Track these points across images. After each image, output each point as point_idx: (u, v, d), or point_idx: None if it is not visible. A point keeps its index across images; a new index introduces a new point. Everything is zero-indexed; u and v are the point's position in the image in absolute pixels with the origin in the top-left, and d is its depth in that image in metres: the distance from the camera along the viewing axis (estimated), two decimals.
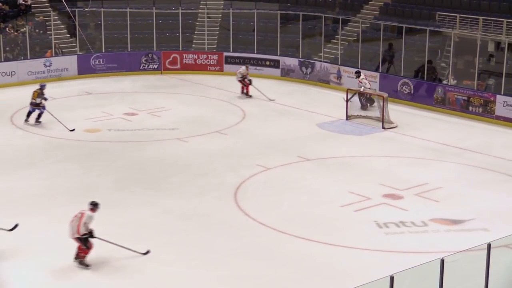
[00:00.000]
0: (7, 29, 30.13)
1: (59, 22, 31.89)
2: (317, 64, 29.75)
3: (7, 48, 29.71)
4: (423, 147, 21.67)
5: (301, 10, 31.75)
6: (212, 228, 15.69)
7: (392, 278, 9.82)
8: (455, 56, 26.88)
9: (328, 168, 19.68)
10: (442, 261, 10.31)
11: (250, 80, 27.63)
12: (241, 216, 16.37)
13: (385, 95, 24.08)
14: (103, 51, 31.36)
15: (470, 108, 25.01)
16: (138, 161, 20.12)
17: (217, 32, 33.00)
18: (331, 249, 14.75)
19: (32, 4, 31.82)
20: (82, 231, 13.78)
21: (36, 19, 31.35)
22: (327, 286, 13.32)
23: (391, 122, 23.76)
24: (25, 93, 27.45)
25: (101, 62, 30.84)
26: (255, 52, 31.28)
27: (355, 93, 25.10)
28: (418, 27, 27.76)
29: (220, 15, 33.47)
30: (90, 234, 13.86)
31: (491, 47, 26.45)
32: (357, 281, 11.19)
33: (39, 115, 23.45)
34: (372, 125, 23.82)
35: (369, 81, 25.99)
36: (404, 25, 27.73)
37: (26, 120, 23.52)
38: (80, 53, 31.11)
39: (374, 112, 24.34)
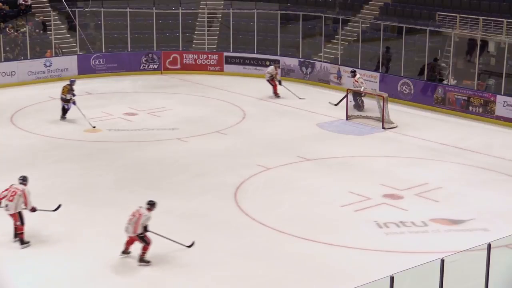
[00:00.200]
0: (7, 29, 30.13)
1: (59, 22, 31.89)
2: (317, 64, 29.75)
3: (7, 48, 29.71)
4: (423, 147, 21.67)
5: (301, 10, 31.75)
6: (212, 228, 15.70)
7: (392, 278, 9.82)
8: (455, 56, 26.88)
9: (328, 168, 19.68)
10: (442, 261, 10.31)
11: (279, 81, 27.42)
12: (241, 216, 16.37)
13: (385, 95, 24.07)
14: (103, 51, 31.36)
15: (470, 108, 25.01)
16: (138, 161, 20.12)
17: (217, 32, 33.00)
18: (331, 249, 14.75)
19: (32, 4, 31.83)
20: (139, 230, 13.93)
21: (36, 19, 31.35)
22: (327, 286, 13.32)
23: (391, 122, 23.76)
24: (25, 93, 27.58)
25: (101, 62, 30.85)
26: (255, 52, 31.27)
27: (343, 97, 25.16)
28: (418, 27, 27.76)
29: (220, 15, 33.47)
30: (145, 229, 14.04)
31: (491, 47, 26.47)
32: (357, 281, 11.19)
33: (66, 111, 23.90)
34: (372, 125, 23.82)
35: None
36: (404, 25, 27.73)
37: (63, 117, 23.93)
38: (80, 53, 31.12)
39: (374, 112, 24.32)
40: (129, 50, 31.79)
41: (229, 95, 27.73)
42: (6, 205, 14.72)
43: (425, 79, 26.70)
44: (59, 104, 25.03)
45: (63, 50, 31.05)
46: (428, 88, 26.34)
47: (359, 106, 25.07)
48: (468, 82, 26.16)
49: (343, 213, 16.55)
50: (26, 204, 14.81)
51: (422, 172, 19.29)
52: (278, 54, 30.92)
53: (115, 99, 27.19)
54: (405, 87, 26.80)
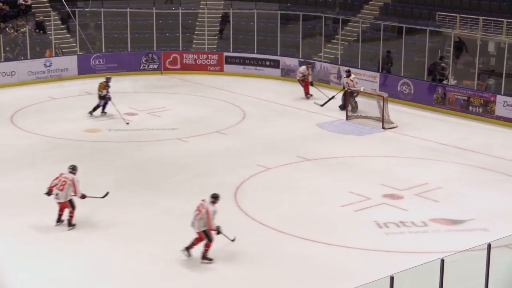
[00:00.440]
0: (7, 29, 30.13)
1: (59, 22, 31.89)
2: (317, 64, 29.74)
3: (7, 48, 29.72)
4: (423, 147, 21.67)
5: (301, 10, 31.76)
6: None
7: (392, 278, 9.82)
8: (455, 56, 26.88)
9: (328, 168, 19.68)
10: (442, 261, 10.31)
11: (311, 82, 27.13)
12: (241, 216, 16.38)
13: (385, 95, 24.07)
14: (103, 51, 31.36)
15: (470, 108, 25.01)
16: (138, 161, 20.12)
17: (217, 32, 33.00)
18: (331, 249, 14.76)
19: (32, 4, 31.83)
20: (214, 225, 13.97)
21: (36, 19, 31.36)
22: (327, 286, 13.32)
23: (391, 122, 23.76)
24: (25, 93, 27.58)
25: (101, 62, 30.85)
26: (255, 52, 31.28)
27: (330, 98, 25.16)
28: (418, 27, 27.76)
29: (220, 15, 33.47)
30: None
31: (491, 47, 26.48)
32: (357, 281, 11.19)
33: (104, 106, 24.37)
34: (372, 125, 23.82)
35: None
36: (404, 25, 27.73)
37: (91, 112, 24.39)
38: (80, 53, 31.12)
39: (374, 112, 24.32)
40: (129, 50, 31.79)
41: (229, 95, 27.73)
42: (57, 194, 15.42)
43: (433, 79, 26.67)
44: (59, 105, 25.13)
45: (63, 50, 31.05)
46: (428, 88, 26.33)
47: (352, 107, 24.92)
48: (468, 82, 26.17)
49: (343, 213, 16.55)
50: (75, 192, 15.48)
51: (422, 172, 19.29)
52: (278, 54, 30.93)
53: (115, 99, 27.13)
54: (405, 87, 26.80)
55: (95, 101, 24.65)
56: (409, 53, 27.86)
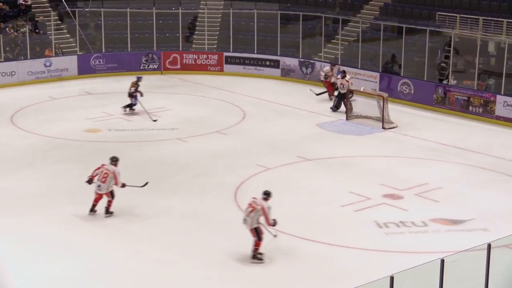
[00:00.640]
0: (7, 29, 30.13)
1: (59, 22, 31.89)
2: (317, 64, 29.74)
3: (7, 48, 29.72)
4: (423, 147, 21.67)
5: (301, 10, 31.75)
6: (212, 228, 15.70)
7: (392, 278, 9.82)
8: (455, 56, 26.88)
9: (328, 168, 19.68)
10: (442, 261, 10.31)
11: (334, 83, 26.61)
12: (241, 216, 16.30)
13: (385, 95, 24.07)
14: (103, 51, 31.36)
15: (470, 108, 25.01)
16: (138, 161, 20.11)
17: (217, 32, 33.01)
18: (331, 249, 14.75)
19: (32, 4, 31.82)
20: (271, 221, 13.98)
21: (36, 19, 31.35)
22: (327, 286, 13.32)
23: (391, 122, 23.76)
24: (25, 93, 27.58)
25: (101, 62, 30.85)
26: (255, 52, 31.28)
27: (326, 91, 24.99)
28: (418, 27, 27.77)
29: (220, 15, 33.47)
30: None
31: (491, 47, 26.47)
32: (357, 281, 11.20)
33: (133, 105, 24.74)
34: (372, 125, 23.82)
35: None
36: (404, 25, 27.73)
37: (125, 108, 24.85)
38: (80, 53, 31.12)
39: (374, 112, 24.31)
40: (129, 50, 31.79)
41: (229, 95, 27.72)
42: (99, 186, 15.99)
43: (440, 80, 26.66)
44: (59, 105, 25.15)
45: (63, 50, 31.05)
46: (428, 88, 26.33)
47: (347, 109, 24.81)
48: (468, 82, 26.17)
49: (343, 213, 16.55)
50: (116, 183, 16.03)
51: (422, 172, 19.29)
52: (278, 54, 30.93)
53: (115, 99, 27.17)
54: (405, 87, 26.80)
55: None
56: (409, 53, 27.86)
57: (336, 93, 25.62)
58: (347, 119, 24.43)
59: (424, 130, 23.45)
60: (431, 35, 26.94)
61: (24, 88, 28.46)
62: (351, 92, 24.96)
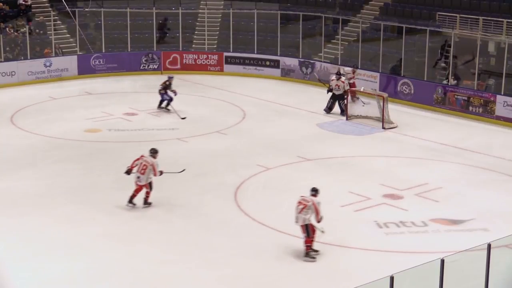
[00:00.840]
0: (7, 29, 30.13)
1: (59, 22, 31.89)
2: (317, 64, 29.74)
3: (7, 48, 29.72)
4: (423, 147, 21.67)
5: (301, 10, 31.75)
6: (212, 228, 15.70)
7: (392, 278, 9.82)
8: (455, 56, 26.88)
9: (328, 168, 19.68)
10: (442, 261, 10.31)
11: (350, 85, 26.09)
12: (241, 216, 16.38)
13: (385, 95, 24.07)
14: (103, 51, 31.37)
15: (470, 108, 25.01)
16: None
17: (217, 32, 33.01)
18: (331, 249, 14.75)
19: (32, 4, 31.83)
20: (321, 218, 14.13)
21: (36, 19, 31.36)
22: (327, 286, 13.32)
23: (391, 122, 23.76)
24: (25, 93, 27.58)
25: (101, 62, 30.85)
26: (255, 52, 31.28)
27: (325, 83, 24.82)
28: (418, 27, 27.77)
29: (220, 15, 33.48)
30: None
31: (491, 47, 26.47)
32: (357, 281, 11.19)
33: (161, 102, 25.20)
34: (372, 125, 23.82)
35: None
36: (404, 25, 27.73)
37: (165, 108, 25.16)
38: (80, 53, 31.12)
39: (374, 112, 24.31)
40: (129, 50, 31.79)
41: (229, 95, 27.72)
42: (138, 177, 16.48)
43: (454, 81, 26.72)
44: (59, 105, 25.13)
45: (63, 50, 31.06)
46: (428, 88, 26.33)
47: (342, 110, 24.68)
48: (468, 82, 26.17)
49: (343, 213, 16.55)
50: (155, 175, 16.52)
51: (422, 172, 19.29)
52: (278, 54, 30.93)
53: (115, 99, 27.19)
54: (405, 87, 26.80)
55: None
56: (409, 53, 27.86)
57: (329, 94, 25.18)
58: (347, 119, 24.42)
59: (424, 130, 23.45)
60: (431, 35, 26.94)
61: (24, 88, 28.46)
62: (346, 93, 24.85)
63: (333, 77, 25.35)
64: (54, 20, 31.38)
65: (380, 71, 27.86)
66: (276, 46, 31.03)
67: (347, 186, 18.16)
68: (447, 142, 22.04)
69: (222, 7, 33.89)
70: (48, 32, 30.97)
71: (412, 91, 26.59)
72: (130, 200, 16.62)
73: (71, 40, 31.59)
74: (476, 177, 19.11)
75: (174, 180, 18.65)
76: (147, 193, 16.64)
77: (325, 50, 30.26)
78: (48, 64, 29.65)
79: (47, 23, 31.11)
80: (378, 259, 14.31)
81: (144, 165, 16.49)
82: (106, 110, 25.23)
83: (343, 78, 25.13)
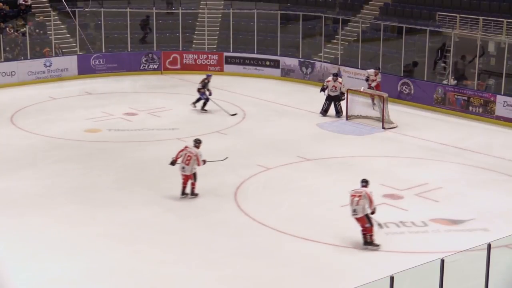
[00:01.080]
0: (7, 29, 30.13)
1: (59, 22, 31.90)
2: (317, 64, 29.75)
3: (7, 48, 29.72)
4: (423, 147, 21.67)
5: (301, 10, 31.76)
6: (212, 228, 15.70)
7: (392, 278, 9.82)
8: (455, 56, 26.88)
9: (328, 168, 19.68)
10: (442, 261, 10.31)
11: (372, 87, 25.84)
12: (241, 216, 16.38)
13: (385, 95, 24.06)
14: (103, 51, 31.37)
15: (470, 108, 25.02)
16: (138, 161, 20.12)
17: (217, 32, 33.02)
18: (331, 249, 14.76)
19: (32, 4, 31.83)
20: (374, 208, 14.48)
21: (36, 19, 31.36)
22: (327, 286, 13.32)
23: (391, 122, 23.76)
24: (25, 93, 27.58)
25: (101, 62, 30.85)
26: (255, 52, 31.28)
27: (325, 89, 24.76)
28: (418, 27, 27.77)
29: (220, 15, 33.48)
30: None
31: (491, 47, 26.47)
32: (357, 281, 11.19)
33: (198, 100, 25.33)
34: (372, 125, 23.81)
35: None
36: (404, 25, 27.73)
37: (204, 109, 25.26)
38: (80, 53, 31.12)
39: (374, 112, 24.31)
40: (129, 50, 31.80)
41: (229, 95, 27.71)
42: (183, 168, 16.94)
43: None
44: (59, 105, 25.12)
45: (63, 50, 31.06)
46: (428, 88, 26.33)
47: (338, 111, 24.57)
48: (468, 82, 26.16)
49: (343, 213, 16.51)
50: (199, 165, 16.95)
51: (422, 172, 19.28)
52: (278, 54, 30.94)
53: (115, 99, 27.20)
54: (405, 87, 26.80)
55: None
56: (409, 53, 27.85)
57: (325, 96, 24.91)
58: (347, 119, 24.42)
59: (424, 130, 23.44)
60: (431, 35, 26.93)
61: (24, 88, 28.46)
62: (343, 96, 24.72)
63: (330, 78, 25.19)
64: (54, 20, 31.38)
65: (380, 71, 27.80)
66: (276, 46, 31.03)
67: (347, 186, 18.07)
68: (447, 142, 22.04)
69: (222, 7, 33.90)
70: (48, 32, 30.97)
71: (412, 91, 26.58)
72: (183, 192, 17.11)
73: (71, 40, 31.59)
74: (476, 177, 19.11)
75: (174, 180, 18.66)
76: (193, 185, 17.13)
77: (325, 50, 30.26)
78: (48, 64, 29.65)
79: (47, 23, 31.11)
80: (378, 259, 14.31)
81: (188, 155, 16.90)
82: (106, 110, 25.24)
83: (340, 79, 25.06)
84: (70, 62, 30.32)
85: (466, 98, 25.13)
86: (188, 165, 16.90)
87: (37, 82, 29.16)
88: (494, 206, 16.97)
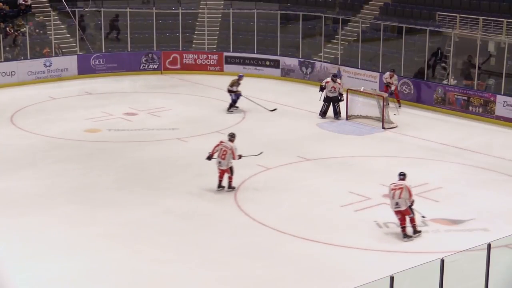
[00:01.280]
0: (7, 29, 30.13)
1: (59, 22, 31.90)
2: (317, 64, 29.75)
3: (7, 48, 29.72)
4: (423, 147, 21.67)
5: (301, 10, 31.76)
6: (212, 228, 15.70)
7: (392, 278, 9.82)
8: (455, 56, 26.88)
9: (328, 168, 19.67)
10: (442, 261, 10.31)
11: (392, 92, 25.58)
12: (241, 216, 16.38)
13: (385, 95, 24.07)
14: (103, 51, 31.37)
15: (470, 108, 25.01)
16: (138, 161, 20.12)
17: (217, 32, 33.01)
18: (331, 249, 14.76)
19: (32, 4, 31.83)
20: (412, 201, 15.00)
21: (36, 19, 31.36)
22: (327, 286, 13.32)
23: (391, 122, 23.76)
24: (25, 93, 27.58)
25: (101, 62, 30.85)
26: (255, 52, 31.28)
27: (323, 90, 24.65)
28: (418, 27, 27.76)
29: (220, 15, 33.48)
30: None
31: (491, 47, 26.47)
32: (357, 281, 11.19)
33: (234, 102, 25.27)
34: (372, 125, 23.81)
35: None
36: (404, 25, 27.73)
37: (230, 110, 25.25)
38: (80, 53, 31.12)
39: (374, 112, 24.30)
40: (129, 50, 31.80)
41: (229, 95, 27.65)
42: (219, 162, 17.36)
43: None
44: (59, 105, 25.12)
45: (63, 50, 31.06)
46: (428, 88, 26.34)
47: (336, 113, 24.45)
48: (468, 82, 26.16)
49: (343, 213, 16.55)
50: (234, 158, 17.28)
51: (422, 172, 19.27)
52: (278, 54, 30.93)
53: (115, 99, 27.20)
54: (405, 87, 26.79)
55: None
56: (409, 53, 27.85)
57: (322, 97, 24.71)
58: (347, 119, 24.42)
59: (424, 130, 23.44)
60: (431, 35, 26.94)
61: (24, 88, 28.46)
62: (341, 97, 24.64)
63: (329, 79, 25.01)
64: (54, 20, 31.38)
65: (380, 71, 27.84)
66: (276, 46, 31.03)
67: (347, 186, 18.16)
68: (447, 142, 22.04)
69: (222, 7, 33.89)
70: (48, 32, 30.97)
71: (412, 91, 26.58)
72: (219, 185, 17.52)
73: (71, 40, 31.59)
74: (476, 177, 19.11)
75: (174, 180, 18.67)
76: (230, 178, 17.47)
77: (325, 50, 30.26)
78: (48, 64, 29.65)
79: (47, 23, 31.11)
80: (378, 259, 14.31)
81: (224, 150, 17.26)
82: (106, 110, 25.24)
83: (339, 80, 25.03)
84: (70, 62, 30.32)
85: (466, 98, 25.13)
86: (224, 159, 17.25)
87: (37, 82, 29.16)
88: (494, 206, 16.97)
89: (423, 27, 27.26)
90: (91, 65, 30.63)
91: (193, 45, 32.58)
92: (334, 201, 17.15)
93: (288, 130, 23.31)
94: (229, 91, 25.28)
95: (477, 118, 24.65)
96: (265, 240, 15.15)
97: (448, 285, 10.37)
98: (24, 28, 30.23)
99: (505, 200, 17.45)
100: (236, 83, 25.25)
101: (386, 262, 13.99)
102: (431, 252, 13.85)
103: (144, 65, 31.38)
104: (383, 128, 23.40)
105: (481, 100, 24.73)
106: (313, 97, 27.23)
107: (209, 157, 17.57)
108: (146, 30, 32.31)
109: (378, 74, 27.69)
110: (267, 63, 30.92)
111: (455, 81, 26.34)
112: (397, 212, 15.03)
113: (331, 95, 24.60)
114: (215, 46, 32.48)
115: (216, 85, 29.29)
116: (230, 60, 31.43)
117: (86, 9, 32.67)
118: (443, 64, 27.38)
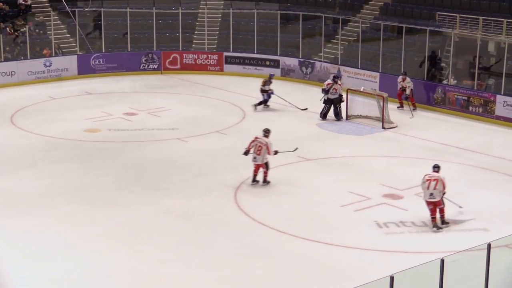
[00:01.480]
0: (7, 29, 30.13)
1: (59, 22, 31.89)
2: (317, 64, 29.75)
3: (7, 48, 29.72)
4: (423, 147, 21.67)
5: (301, 10, 31.75)
6: (212, 228, 15.70)
7: (392, 278, 9.82)
8: (455, 56, 26.88)
9: (328, 168, 19.68)
10: (442, 261, 10.31)
11: (407, 96, 25.29)
12: (241, 216, 16.38)
13: (385, 95, 24.05)
14: (103, 51, 31.36)
15: (470, 108, 25.01)
16: (138, 161, 20.12)
17: (217, 32, 33.01)
18: (331, 249, 14.75)
19: (32, 4, 31.83)
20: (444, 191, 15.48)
21: (36, 19, 31.37)
22: (327, 286, 13.32)
23: (391, 122, 23.76)
24: (25, 93, 27.58)
25: (101, 62, 30.85)
26: (255, 52, 31.28)
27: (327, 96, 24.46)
28: (418, 27, 27.76)
29: (220, 15, 33.48)
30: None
31: (491, 47, 26.46)
32: (357, 281, 11.19)
33: (265, 102, 25.56)
34: (372, 125, 23.81)
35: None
36: (404, 25, 27.73)
37: (256, 106, 25.42)
38: (80, 53, 31.12)
39: (374, 112, 24.29)
40: (129, 50, 31.79)
41: (229, 95, 27.72)
42: (255, 158, 17.77)
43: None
44: (59, 105, 25.11)
45: (63, 50, 31.06)
46: (428, 88, 26.33)
47: (337, 114, 24.39)
48: (468, 82, 26.16)
49: (343, 213, 16.55)
50: (269, 153, 17.73)
51: (423, 172, 19.14)
52: (278, 54, 30.93)
53: (115, 99, 27.20)
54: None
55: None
56: (409, 53, 27.84)
57: (323, 99, 24.56)
58: (347, 119, 24.41)
59: (424, 130, 23.44)
60: (431, 35, 26.93)
61: (24, 88, 28.46)
62: (342, 98, 24.61)
63: (329, 80, 24.88)
64: (54, 20, 31.38)
65: (380, 71, 27.85)
66: (276, 46, 31.03)
67: (347, 186, 18.16)
68: (447, 142, 22.03)
69: (222, 7, 33.89)
70: (48, 32, 30.97)
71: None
72: (253, 179, 17.86)
73: (71, 40, 31.58)
74: (476, 177, 19.11)
75: (174, 180, 18.67)
76: (265, 173, 17.85)
77: (325, 50, 30.26)
78: (48, 64, 29.65)
79: (47, 23, 31.11)
80: (378, 259, 14.31)
81: (259, 145, 17.68)
82: (106, 110, 25.24)
83: (339, 82, 24.91)
84: (70, 62, 30.32)
85: (466, 98, 25.12)
86: (260, 154, 17.64)
87: (37, 82, 29.16)
88: (494, 206, 16.97)
89: (423, 27, 27.26)
90: (91, 65, 30.63)
91: (193, 45, 32.59)
92: (334, 201, 17.15)
93: (288, 130, 23.29)
94: (262, 91, 25.54)
95: (477, 118, 24.65)
96: (265, 240, 15.15)
97: (448, 285, 10.37)
98: (24, 28, 30.23)
99: (505, 200, 17.45)
100: (268, 82, 25.49)
101: (386, 262, 13.99)
102: (431, 252, 13.85)
103: (144, 65, 31.38)
104: (383, 128, 23.40)
105: (481, 100, 24.72)
106: (313, 97, 27.23)
107: (246, 153, 18.05)
108: (146, 30, 32.32)
109: (378, 74, 27.70)
110: (267, 63, 30.91)
111: (455, 81, 26.34)
112: (429, 203, 15.44)
113: (332, 96, 24.54)
114: (215, 46, 32.48)
115: (216, 85, 29.32)
116: (230, 60, 31.43)
117: (86, 9, 32.66)
118: (442, 64, 27.34)
